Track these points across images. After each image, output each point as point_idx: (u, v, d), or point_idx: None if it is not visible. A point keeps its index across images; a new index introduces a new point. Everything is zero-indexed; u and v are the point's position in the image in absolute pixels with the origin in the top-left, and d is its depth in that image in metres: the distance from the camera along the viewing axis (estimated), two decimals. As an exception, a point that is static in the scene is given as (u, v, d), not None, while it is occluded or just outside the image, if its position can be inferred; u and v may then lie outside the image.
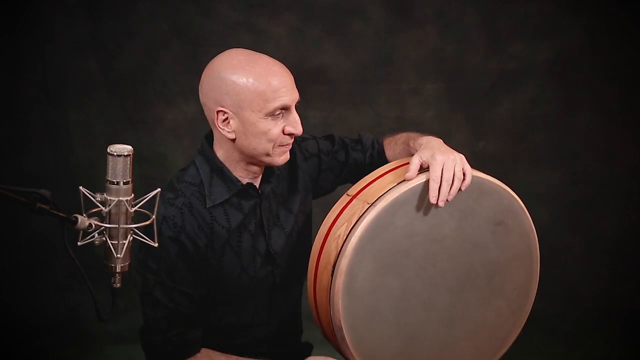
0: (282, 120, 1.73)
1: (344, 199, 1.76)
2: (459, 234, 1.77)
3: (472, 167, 1.75)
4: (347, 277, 1.67)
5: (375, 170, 1.81)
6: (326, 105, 3.73)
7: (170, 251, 1.72)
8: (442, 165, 1.69)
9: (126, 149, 1.37)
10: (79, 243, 1.36)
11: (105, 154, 1.37)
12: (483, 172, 1.79)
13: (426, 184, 1.70)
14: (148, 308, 1.78)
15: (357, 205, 1.71)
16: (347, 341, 1.71)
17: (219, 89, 1.71)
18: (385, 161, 1.99)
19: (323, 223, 1.77)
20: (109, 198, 1.36)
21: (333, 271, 1.67)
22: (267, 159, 1.76)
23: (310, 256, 1.77)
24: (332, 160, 2.00)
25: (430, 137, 1.86)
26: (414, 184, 1.70)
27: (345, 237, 1.67)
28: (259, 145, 1.73)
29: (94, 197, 1.36)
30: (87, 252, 1.38)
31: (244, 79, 1.69)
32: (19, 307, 3.63)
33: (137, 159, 1.40)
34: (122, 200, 1.36)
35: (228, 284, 1.81)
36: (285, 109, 1.73)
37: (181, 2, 3.66)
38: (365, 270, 1.69)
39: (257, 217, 1.83)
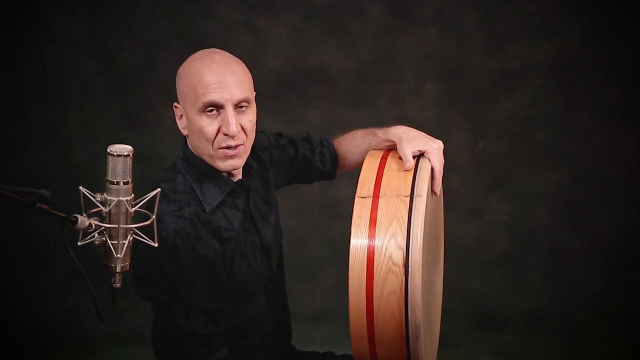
0: (218, 119, 1.70)
1: (362, 202, 1.68)
2: (434, 209, 1.83)
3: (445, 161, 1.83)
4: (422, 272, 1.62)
5: (366, 166, 1.76)
6: (326, 105, 3.72)
7: (189, 264, 1.67)
8: (439, 157, 1.77)
9: (126, 149, 1.37)
10: (79, 243, 1.36)
11: (105, 154, 1.37)
12: None
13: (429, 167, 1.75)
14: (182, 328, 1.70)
15: (393, 202, 1.65)
16: (422, 338, 1.64)
17: (176, 84, 1.76)
18: (335, 157, 2.03)
19: (353, 233, 1.64)
20: (109, 198, 1.36)
21: (407, 271, 1.58)
22: (211, 162, 1.74)
23: (351, 267, 1.62)
24: (282, 154, 2.00)
25: (400, 126, 1.86)
26: (429, 171, 1.74)
27: (406, 235, 1.60)
28: (201, 144, 1.73)
29: (94, 197, 1.36)
30: (87, 252, 1.37)
31: (185, 74, 1.73)
32: (19, 307, 3.64)
33: (137, 159, 1.40)
34: (122, 200, 1.36)
35: (238, 283, 1.80)
36: (215, 106, 1.69)
37: (181, 2, 3.66)
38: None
39: (247, 213, 1.83)
